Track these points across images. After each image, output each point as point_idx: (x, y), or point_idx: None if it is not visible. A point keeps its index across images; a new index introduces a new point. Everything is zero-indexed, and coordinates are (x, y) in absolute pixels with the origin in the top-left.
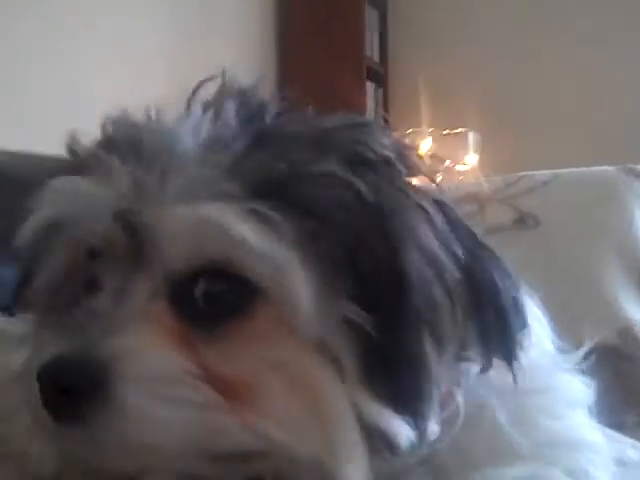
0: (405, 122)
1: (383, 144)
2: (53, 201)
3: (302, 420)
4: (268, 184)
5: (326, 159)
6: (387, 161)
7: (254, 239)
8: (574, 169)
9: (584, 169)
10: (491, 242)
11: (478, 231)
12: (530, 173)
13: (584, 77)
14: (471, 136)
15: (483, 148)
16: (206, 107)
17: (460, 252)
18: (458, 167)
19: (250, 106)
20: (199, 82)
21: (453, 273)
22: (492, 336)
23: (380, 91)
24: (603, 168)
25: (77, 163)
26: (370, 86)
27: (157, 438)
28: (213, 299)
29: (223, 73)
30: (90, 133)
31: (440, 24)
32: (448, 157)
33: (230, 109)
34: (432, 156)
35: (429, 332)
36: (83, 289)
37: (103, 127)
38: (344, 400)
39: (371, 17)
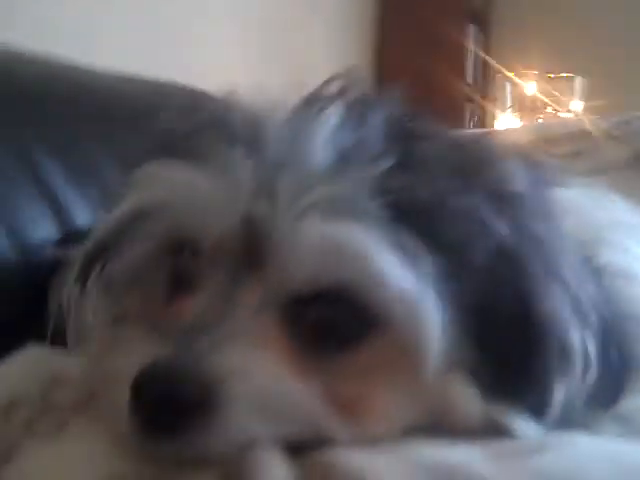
0: (509, 66)
1: (526, 183)
2: (155, 187)
3: None
4: (410, 210)
5: (472, 191)
6: (529, 203)
7: (394, 271)
8: None
9: None
10: (605, 180)
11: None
12: None
13: None
14: (578, 81)
15: (589, 95)
16: (348, 112)
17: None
18: (561, 114)
19: (397, 120)
20: (327, 79)
21: (592, 321)
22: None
23: (482, 35)
24: None
25: (185, 146)
26: (472, 29)
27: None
28: (326, 322)
29: (352, 70)
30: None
31: None
32: (553, 103)
33: (377, 120)
34: (535, 100)
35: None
36: (171, 286)
37: (214, 109)
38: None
39: None
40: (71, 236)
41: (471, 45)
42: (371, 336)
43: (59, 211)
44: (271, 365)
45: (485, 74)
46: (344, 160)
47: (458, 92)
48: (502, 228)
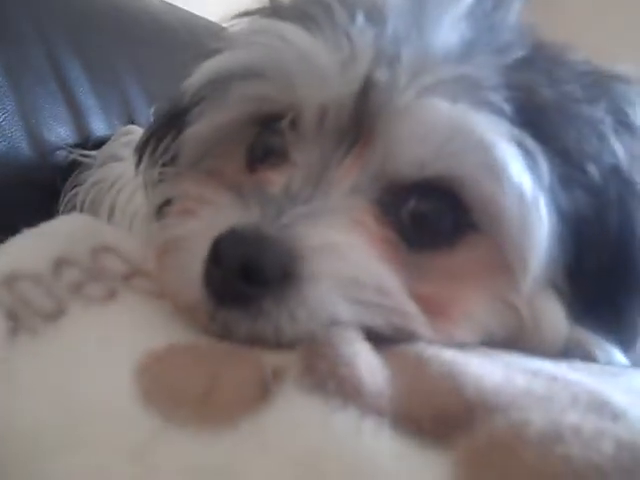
0: None
1: None
2: (255, 45)
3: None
4: (534, 108)
5: (596, 104)
6: None
7: (516, 168)
8: None
9: None
10: None
11: None
12: None
13: None
14: None
15: None
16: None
17: None
18: None
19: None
20: None
21: None
22: None
23: None
24: None
25: (296, 11)
26: None
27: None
28: (422, 216)
29: None
30: None
31: None
32: None
33: (514, 10)
34: None
35: None
36: (253, 156)
37: None
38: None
39: None
40: (88, 142)
41: None
42: (469, 236)
43: (78, 115)
44: (361, 248)
45: None
46: (472, 43)
47: None
48: (620, 150)
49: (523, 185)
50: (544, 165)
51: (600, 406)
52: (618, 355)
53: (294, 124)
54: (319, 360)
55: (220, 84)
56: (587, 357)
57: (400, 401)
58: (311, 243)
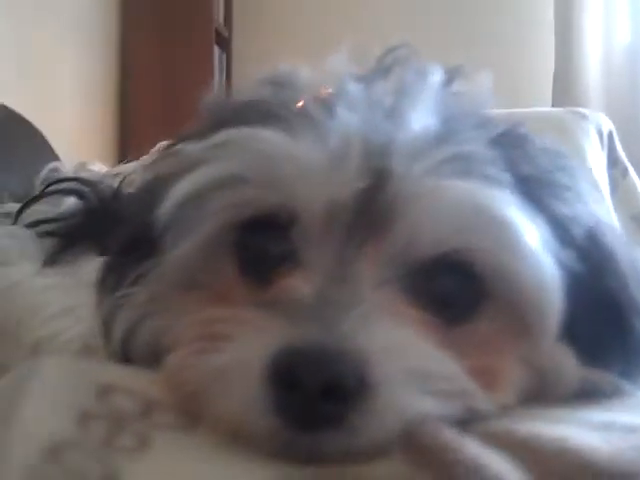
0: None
1: None
2: (242, 154)
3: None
4: (522, 179)
5: (563, 173)
6: None
7: (532, 239)
8: (527, 109)
9: (536, 109)
10: None
11: None
12: None
13: None
14: None
15: None
16: (446, 82)
17: None
18: None
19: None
20: (388, 49)
21: None
22: None
23: (224, 56)
24: (553, 109)
25: (265, 113)
26: (216, 50)
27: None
28: (446, 293)
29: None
30: None
31: None
32: None
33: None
34: None
35: None
36: (247, 265)
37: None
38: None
39: None
40: None
41: (216, 66)
42: (484, 307)
43: None
44: (416, 339)
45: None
46: (451, 123)
47: None
48: (593, 217)
49: (538, 252)
50: (546, 231)
51: None
52: (627, 386)
53: (292, 225)
54: (455, 468)
55: (194, 202)
56: (598, 393)
57: None
58: (376, 347)
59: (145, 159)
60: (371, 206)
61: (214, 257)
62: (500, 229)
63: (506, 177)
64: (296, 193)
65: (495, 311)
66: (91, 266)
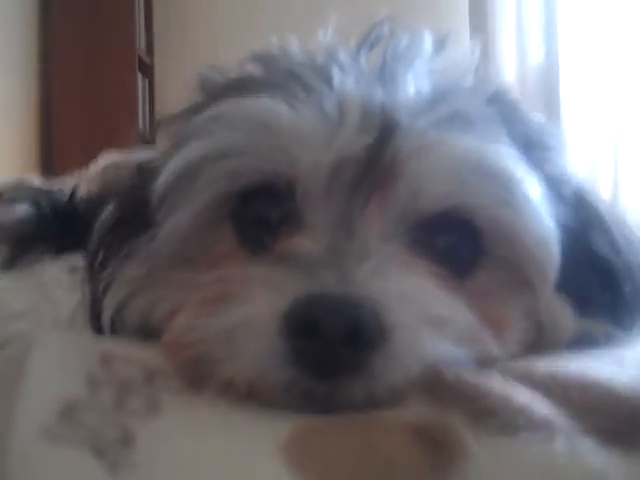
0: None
1: None
2: (241, 124)
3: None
4: (516, 138)
5: (551, 137)
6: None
7: (533, 192)
8: None
9: None
10: None
11: None
12: None
13: None
14: None
15: None
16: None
17: None
18: None
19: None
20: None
21: None
22: None
23: (147, 82)
24: None
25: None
26: (139, 77)
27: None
28: (448, 248)
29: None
30: None
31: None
32: None
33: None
34: None
35: None
36: (249, 230)
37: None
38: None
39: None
40: None
41: (139, 92)
42: (483, 262)
43: None
44: (428, 288)
45: (153, 120)
46: (444, 87)
47: (131, 139)
48: (577, 179)
49: (538, 205)
50: (543, 186)
51: None
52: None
53: (291, 191)
54: (483, 401)
55: (190, 175)
56: (593, 343)
57: (580, 416)
58: (392, 294)
59: (87, 172)
60: (375, 161)
61: (210, 228)
62: (502, 182)
63: (503, 134)
64: (297, 158)
65: (495, 266)
66: (52, 267)
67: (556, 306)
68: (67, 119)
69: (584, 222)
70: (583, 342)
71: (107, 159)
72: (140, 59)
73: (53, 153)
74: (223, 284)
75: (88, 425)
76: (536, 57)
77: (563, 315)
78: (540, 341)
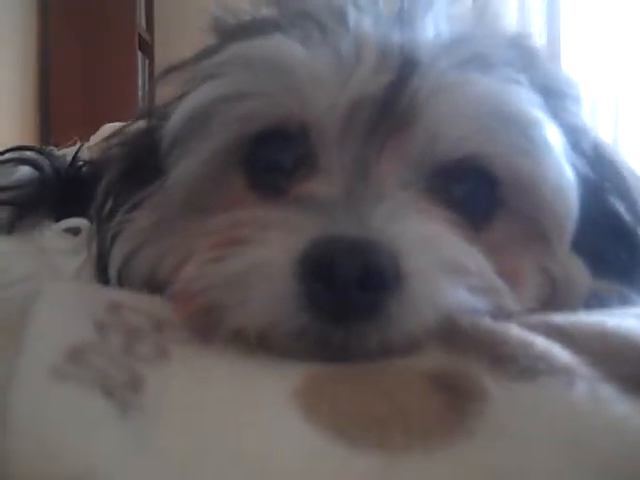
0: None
1: None
2: (253, 67)
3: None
4: (535, 84)
5: (570, 86)
6: None
7: (553, 139)
8: None
9: None
10: None
11: None
12: None
13: None
14: None
15: None
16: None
17: None
18: None
19: None
20: None
21: None
22: None
23: (147, 60)
24: None
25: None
26: (139, 56)
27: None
28: (466, 196)
29: None
30: None
31: None
32: None
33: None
34: None
35: None
36: (261, 175)
37: None
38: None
39: None
40: None
41: (139, 71)
42: (500, 213)
43: None
44: (446, 234)
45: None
46: (464, 31)
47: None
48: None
49: (558, 154)
50: (562, 136)
51: None
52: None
53: (305, 134)
54: (502, 347)
55: (201, 118)
56: (607, 305)
57: (602, 364)
58: (408, 239)
59: (91, 141)
60: (393, 102)
61: (221, 173)
62: (522, 127)
63: (524, 78)
64: (311, 99)
65: (511, 218)
66: (52, 232)
67: (572, 263)
68: (67, 98)
69: (602, 177)
70: (597, 303)
71: (109, 129)
72: (140, 37)
73: (51, 132)
74: (235, 229)
75: (97, 367)
76: (538, 40)
77: (578, 272)
78: (555, 299)
